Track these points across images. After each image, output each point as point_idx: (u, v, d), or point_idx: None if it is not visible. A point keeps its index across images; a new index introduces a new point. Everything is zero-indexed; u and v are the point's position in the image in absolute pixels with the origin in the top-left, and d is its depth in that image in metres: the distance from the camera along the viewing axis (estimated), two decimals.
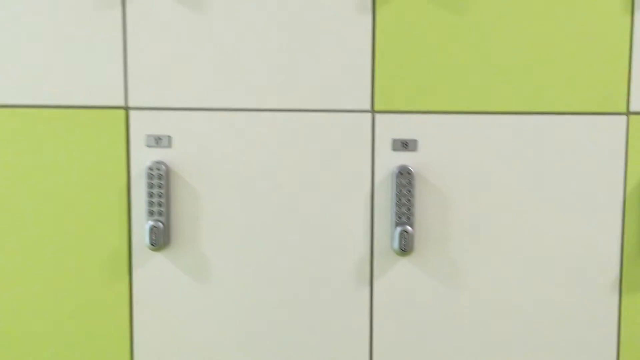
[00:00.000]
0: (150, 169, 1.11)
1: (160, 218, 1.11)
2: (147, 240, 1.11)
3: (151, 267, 1.14)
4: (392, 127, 1.11)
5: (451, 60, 1.09)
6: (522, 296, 1.12)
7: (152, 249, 1.11)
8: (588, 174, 1.10)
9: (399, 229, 1.10)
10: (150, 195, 1.11)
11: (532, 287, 1.12)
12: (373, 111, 1.11)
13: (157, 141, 1.12)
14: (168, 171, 1.12)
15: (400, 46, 1.09)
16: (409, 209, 1.10)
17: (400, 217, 1.10)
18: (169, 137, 1.12)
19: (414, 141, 1.11)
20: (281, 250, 1.13)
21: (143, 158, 1.12)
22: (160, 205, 1.11)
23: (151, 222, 1.11)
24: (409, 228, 1.10)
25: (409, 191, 1.10)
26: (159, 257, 1.14)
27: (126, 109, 1.12)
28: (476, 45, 1.08)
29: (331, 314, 1.14)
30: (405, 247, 1.10)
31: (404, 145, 1.11)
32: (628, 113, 1.08)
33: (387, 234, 1.12)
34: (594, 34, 1.07)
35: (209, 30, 1.10)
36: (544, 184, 1.10)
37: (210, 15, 1.09)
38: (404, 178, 1.10)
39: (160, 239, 1.11)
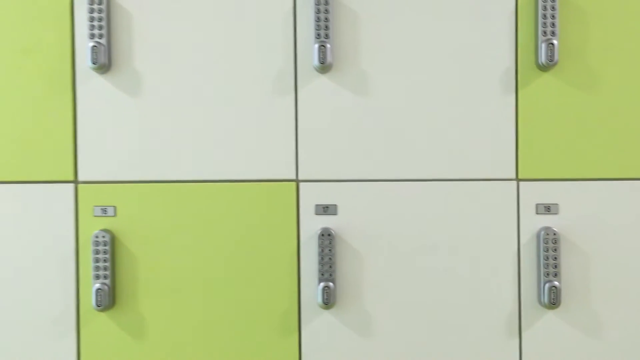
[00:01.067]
0: (322, 234, 1.23)
1: (330, 278, 1.23)
2: (318, 299, 1.22)
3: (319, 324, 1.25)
4: (535, 192, 1.25)
5: (585, 132, 1.24)
6: None
7: (323, 307, 1.23)
8: None
9: (547, 285, 1.22)
10: (322, 257, 1.23)
11: None
12: (517, 179, 1.26)
13: (324, 209, 1.25)
14: (334, 236, 1.24)
15: (541, 121, 1.24)
16: (555, 267, 1.22)
17: (547, 274, 1.22)
18: (336, 205, 1.26)
19: (556, 205, 1.24)
20: (435, 302, 1.25)
21: (312, 225, 1.25)
22: (330, 266, 1.23)
23: (323, 284, 1.23)
24: (556, 283, 1.21)
25: (555, 250, 1.22)
26: (326, 315, 1.25)
27: (297, 181, 1.26)
28: (607, 118, 1.24)
29: None
30: (554, 302, 1.21)
31: (547, 208, 1.25)
32: None
33: (534, 290, 1.24)
34: None
35: (369, 107, 1.26)
36: None
37: (374, 97, 1.26)
38: (549, 238, 1.23)
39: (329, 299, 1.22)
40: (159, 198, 1.26)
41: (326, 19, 1.23)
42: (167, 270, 1.26)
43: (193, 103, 1.26)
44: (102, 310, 1.24)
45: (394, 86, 1.25)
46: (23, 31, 1.25)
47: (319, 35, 1.23)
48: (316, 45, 1.22)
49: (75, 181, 1.26)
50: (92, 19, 1.22)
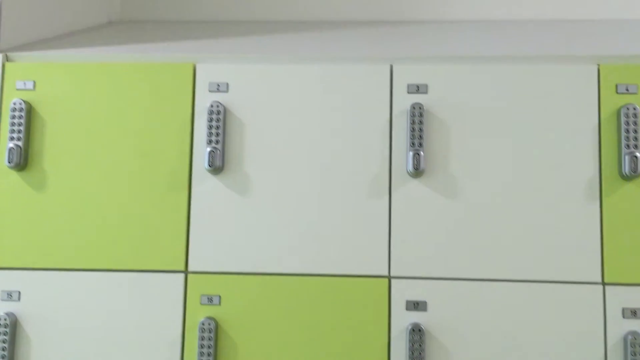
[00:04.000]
0: (412, 330, 1.30)
1: None
2: None
3: None
4: (621, 296, 1.29)
5: None
6: None
7: None
8: None
9: None
10: (412, 352, 1.29)
11: None
12: (604, 283, 1.30)
13: (415, 306, 1.33)
14: (424, 332, 1.31)
15: (625, 226, 1.30)
16: None
17: None
18: (425, 302, 1.33)
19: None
20: None
21: (403, 321, 1.32)
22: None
23: None
24: None
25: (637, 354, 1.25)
26: None
27: (389, 278, 1.35)
28: None
29: None
30: None
31: (633, 313, 1.28)
32: None
33: None
34: None
35: (458, 210, 1.34)
36: None
37: (463, 200, 1.34)
38: (636, 342, 1.25)
39: None
40: (260, 289, 1.36)
41: (420, 129, 1.34)
42: (265, 359, 1.34)
43: (297, 203, 1.38)
44: None
45: (482, 191, 1.34)
46: (149, 136, 1.41)
47: (413, 143, 1.34)
48: (411, 153, 1.33)
49: (186, 271, 1.38)
50: (210, 127, 1.38)
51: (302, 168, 1.39)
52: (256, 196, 1.38)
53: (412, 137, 1.35)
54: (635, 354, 1.25)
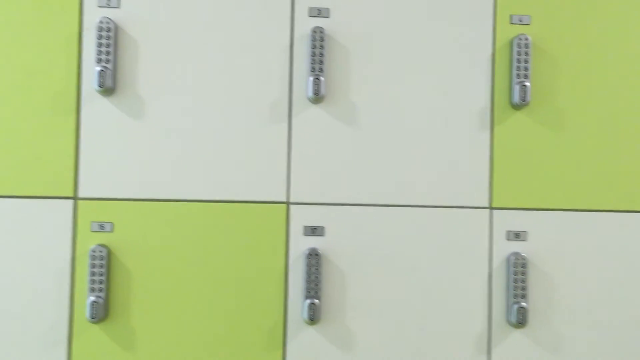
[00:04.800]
0: (309, 254, 1.31)
1: (316, 296, 1.31)
2: (304, 315, 1.30)
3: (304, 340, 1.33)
4: (506, 220, 1.36)
5: (553, 166, 1.36)
6: None
7: (308, 323, 1.30)
8: None
9: (515, 305, 1.32)
10: (309, 276, 1.31)
11: None
12: (491, 207, 1.36)
13: (313, 231, 1.34)
14: (321, 256, 1.32)
15: (513, 155, 1.36)
16: (523, 289, 1.33)
17: (516, 296, 1.33)
18: (323, 227, 1.34)
19: (525, 232, 1.36)
20: (412, 320, 1.34)
21: (301, 245, 1.33)
22: (316, 284, 1.31)
23: (309, 301, 1.30)
24: (524, 304, 1.32)
25: (523, 274, 1.33)
26: (311, 330, 1.32)
27: (287, 203, 1.34)
28: (573, 154, 1.36)
29: None
30: (522, 321, 1.32)
31: (516, 235, 1.36)
32: None
33: (503, 310, 1.34)
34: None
35: (357, 136, 1.35)
36: (618, 269, 1.36)
37: (362, 127, 1.35)
38: (518, 263, 1.33)
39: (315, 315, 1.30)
40: (155, 216, 1.32)
41: (321, 54, 1.32)
42: (160, 286, 1.32)
43: (192, 128, 1.33)
44: (95, 323, 1.29)
45: (380, 118, 1.36)
46: (33, 53, 1.31)
47: (313, 69, 1.32)
48: (311, 78, 1.32)
49: (75, 197, 1.32)
50: (100, 45, 1.29)
51: (199, 91, 1.33)
52: (151, 119, 1.33)
53: (313, 62, 1.33)
54: (516, 273, 1.34)
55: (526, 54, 1.34)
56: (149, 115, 1.33)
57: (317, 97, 1.32)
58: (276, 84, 1.35)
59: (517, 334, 1.35)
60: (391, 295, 1.34)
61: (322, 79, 1.32)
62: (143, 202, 1.32)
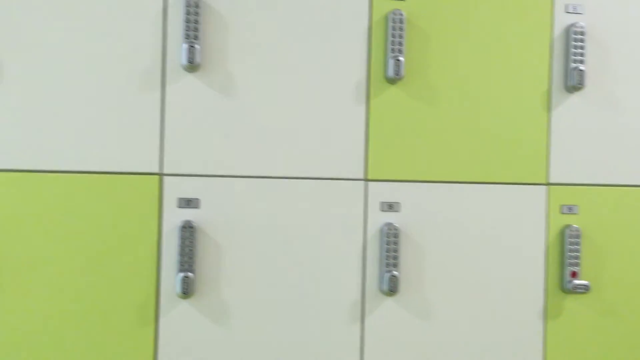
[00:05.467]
0: (183, 227, 1.28)
1: (190, 269, 1.28)
2: (177, 289, 1.27)
3: (177, 314, 1.29)
4: (380, 192, 1.39)
5: (425, 140, 1.41)
6: (477, 329, 1.44)
7: (181, 297, 1.27)
8: (516, 227, 1.46)
9: (387, 274, 1.36)
10: (182, 249, 1.28)
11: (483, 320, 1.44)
12: (366, 179, 1.39)
13: (187, 203, 1.30)
14: (195, 229, 1.29)
15: (388, 129, 1.39)
16: (395, 258, 1.37)
17: (388, 265, 1.37)
18: (198, 199, 1.31)
19: (398, 204, 1.40)
20: (289, 292, 1.35)
21: (175, 218, 1.29)
22: (190, 257, 1.28)
23: (182, 274, 1.27)
24: (396, 273, 1.36)
25: (395, 243, 1.37)
26: (185, 304, 1.30)
27: (160, 175, 1.30)
28: (444, 128, 1.41)
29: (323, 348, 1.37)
30: (393, 289, 1.36)
31: (390, 206, 1.39)
32: (547, 184, 1.47)
33: (376, 279, 1.38)
34: (522, 126, 1.46)
35: (234, 107, 1.33)
36: (483, 236, 1.44)
37: (239, 97, 1.33)
38: (391, 233, 1.37)
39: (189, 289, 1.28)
40: (25, 187, 1.23)
41: (196, 20, 1.28)
42: (23, 260, 1.24)
43: (61, 96, 1.25)
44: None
45: (258, 89, 1.34)
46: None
47: (188, 35, 1.28)
48: (185, 46, 1.27)
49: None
50: None
51: (68, 59, 1.26)
52: (13, 86, 1.23)
53: (187, 28, 1.28)
54: (389, 243, 1.38)
55: (400, 29, 1.37)
56: (11, 82, 1.23)
57: (192, 65, 1.28)
58: (148, 51, 1.29)
59: (390, 302, 1.40)
60: (267, 267, 1.34)
61: (197, 46, 1.28)
62: (11, 172, 1.23)
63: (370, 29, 1.39)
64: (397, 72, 1.36)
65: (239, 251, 1.33)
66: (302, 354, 1.36)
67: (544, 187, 1.46)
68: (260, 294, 1.34)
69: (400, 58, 1.36)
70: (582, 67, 1.44)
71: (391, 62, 1.36)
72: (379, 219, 1.39)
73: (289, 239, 1.35)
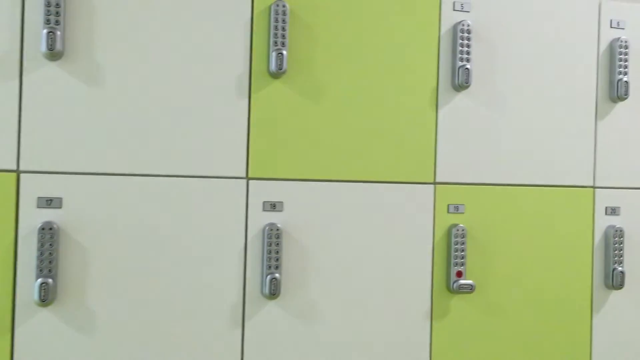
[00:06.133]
0: (43, 228, 1.17)
1: (50, 274, 1.18)
2: (35, 296, 1.16)
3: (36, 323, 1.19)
4: (263, 191, 1.33)
5: (309, 137, 1.36)
6: (359, 325, 1.40)
7: (40, 305, 1.17)
8: (402, 227, 1.43)
9: (269, 277, 1.31)
10: (41, 253, 1.17)
11: (366, 317, 1.41)
12: (247, 178, 1.33)
13: (48, 202, 1.20)
14: (57, 230, 1.19)
15: (271, 125, 1.33)
16: (277, 260, 1.32)
17: (269, 267, 1.31)
18: (61, 198, 1.20)
19: (281, 203, 1.34)
20: (163, 296, 1.27)
21: (34, 219, 1.19)
22: (51, 262, 1.18)
23: (41, 280, 1.17)
24: (277, 275, 1.31)
25: (277, 244, 1.32)
26: (44, 313, 1.19)
27: (17, 172, 1.19)
28: (329, 124, 1.37)
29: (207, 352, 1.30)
30: (274, 292, 1.31)
31: (273, 206, 1.34)
32: (434, 183, 1.46)
33: (258, 282, 1.32)
34: (409, 124, 1.43)
35: (101, 99, 1.23)
36: (370, 237, 1.41)
37: (107, 89, 1.23)
38: (273, 234, 1.32)
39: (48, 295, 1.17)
40: None
41: (57, 4, 1.18)
42: None
43: None
44: None
45: (128, 80, 1.25)
46: None
47: (48, 20, 1.17)
48: (44, 31, 1.17)
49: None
50: None
51: None
52: None
53: (48, 13, 1.18)
54: (271, 244, 1.32)
55: (283, 21, 1.32)
56: None
57: (53, 53, 1.17)
58: (4, 37, 1.18)
59: (271, 305, 1.34)
60: (139, 271, 1.25)
61: (58, 32, 1.17)
62: None
63: (252, 20, 1.32)
64: (280, 66, 1.30)
65: (106, 254, 1.23)
66: None
67: (431, 186, 1.45)
68: (129, 300, 1.25)
69: (283, 51, 1.30)
70: (468, 65, 1.43)
71: (274, 56, 1.30)
72: (261, 219, 1.33)
73: (162, 241, 1.27)
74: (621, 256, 1.57)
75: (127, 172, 1.25)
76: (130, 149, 1.25)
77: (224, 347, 1.31)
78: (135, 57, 1.25)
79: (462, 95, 1.46)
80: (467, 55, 1.44)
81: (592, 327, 1.56)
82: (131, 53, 1.25)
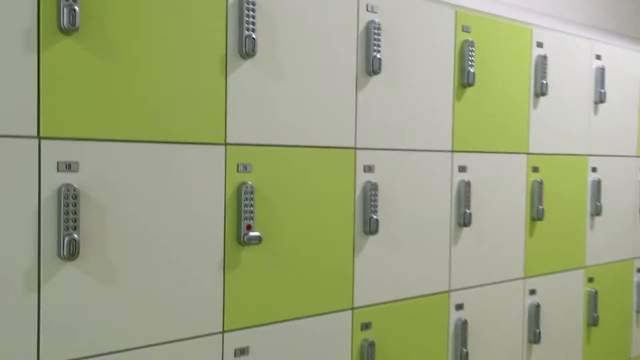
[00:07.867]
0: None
1: None
2: None
3: None
4: (56, 151, 1.29)
5: (103, 96, 1.35)
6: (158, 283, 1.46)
7: None
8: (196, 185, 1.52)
9: (67, 238, 1.28)
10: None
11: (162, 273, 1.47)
12: (39, 137, 1.27)
13: None
14: None
15: (62, 83, 1.29)
16: (75, 221, 1.29)
17: (67, 229, 1.28)
18: None
19: (77, 163, 1.31)
20: None
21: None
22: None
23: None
24: (75, 236, 1.29)
25: (75, 205, 1.29)
26: None
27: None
28: (125, 84, 1.38)
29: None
30: (73, 253, 1.28)
31: (68, 166, 1.30)
32: (225, 144, 1.56)
33: (54, 244, 1.28)
34: (201, 88, 1.51)
35: None
36: (166, 195, 1.47)
37: None
38: (69, 194, 1.29)
39: None
40: None
41: None
42: None
43: None
44: None
45: None
46: None
47: None
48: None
49: None
50: None
51: None
52: None
53: None
54: (68, 205, 1.29)
55: None
56: None
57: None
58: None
59: (69, 267, 1.32)
60: None
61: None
62: None
63: None
64: (73, 22, 1.27)
65: None
66: None
67: (222, 146, 1.56)
68: None
69: (76, 7, 1.27)
70: (254, 35, 1.56)
71: (65, 11, 1.26)
72: (56, 179, 1.29)
73: None
74: (376, 206, 1.87)
75: None
76: None
77: (19, 313, 1.25)
78: None
79: (249, 63, 1.59)
80: (252, 26, 1.56)
81: (354, 267, 1.84)
82: None
